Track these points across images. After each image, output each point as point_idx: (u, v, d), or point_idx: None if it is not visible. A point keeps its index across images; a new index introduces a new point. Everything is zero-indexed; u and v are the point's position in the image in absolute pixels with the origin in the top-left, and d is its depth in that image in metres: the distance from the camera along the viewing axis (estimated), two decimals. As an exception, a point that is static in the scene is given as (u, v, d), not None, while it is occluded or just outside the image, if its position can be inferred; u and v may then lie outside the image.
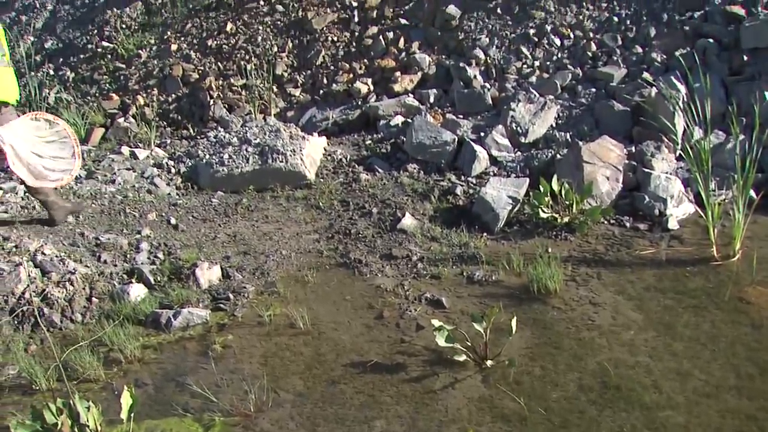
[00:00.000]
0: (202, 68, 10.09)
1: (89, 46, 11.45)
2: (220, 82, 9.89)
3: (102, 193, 7.44)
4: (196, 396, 4.50)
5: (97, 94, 10.38)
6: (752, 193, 6.17)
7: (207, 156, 8.01)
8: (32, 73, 10.93)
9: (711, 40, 8.08)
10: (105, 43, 11.30)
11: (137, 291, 5.68)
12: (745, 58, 7.83)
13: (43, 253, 5.88)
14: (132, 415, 4.10)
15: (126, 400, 4.11)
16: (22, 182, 6.41)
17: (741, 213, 5.86)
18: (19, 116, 6.26)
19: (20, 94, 6.43)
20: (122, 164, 8.15)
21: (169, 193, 7.61)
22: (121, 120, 9.56)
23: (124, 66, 10.74)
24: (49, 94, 10.58)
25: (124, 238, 6.49)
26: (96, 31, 11.76)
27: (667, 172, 6.96)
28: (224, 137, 8.24)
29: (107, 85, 10.53)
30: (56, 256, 5.91)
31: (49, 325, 5.26)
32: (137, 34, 11.40)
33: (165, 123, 9.66)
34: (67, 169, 6.39)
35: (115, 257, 6.18)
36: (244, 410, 4.37)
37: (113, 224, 6.87)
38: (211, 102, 9.60)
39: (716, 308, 5.25)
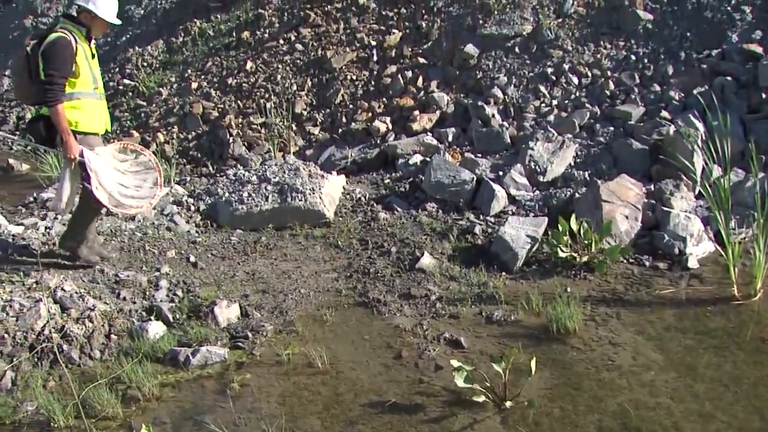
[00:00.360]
0: (222, 106, 10.21)
1: (111, 83, 11.64)
2: (240, 120, 9.99)
3: (122, 230, 7.49)
4: (214, 436, 4.49)
5: (117, 131, 10.51)
6: (773, 231, 6.13)
7: (226, 194, 8.05)
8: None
9: (729, 78, 8.09)
10: (126, 81, 11.48)
11: (156, 328, 5.68)
12: (764, 95, 7.82)
13: (63, 290, 5.91)
14: (150, 454, 4.10)
15: (144, 439, 4.11)
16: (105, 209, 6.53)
17: (762, 252, 5.81)
18: (106, 145, 6.47)
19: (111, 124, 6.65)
20: (142, 202, 8.22)
21: (189, 231, 7.65)
22: (141, 157, 9.66)
23: (144, 103, 10.90)
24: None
25: (143, 276, 6.52)
26: (118, 68, 11.96)
27: (686, 211, 6.94)
28: (244, 175, 8.29)
29: (128, 122, 10.68)
30: (76, 293, 5.93)
31: (68, 362, 5.26)
32: (158, 72, 11.59)
33: (185, 160, 9.75)
34: (147, 197, 6.49)
35: (134, 294, 6.20)
36: (262, 451, 4.36)
37: (133, 261, 6.90)
38: (231, 140, 9.69)
39: (738, 348, 5.19)
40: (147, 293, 6.26)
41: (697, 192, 7.22)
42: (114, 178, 6.29)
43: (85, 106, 6.12)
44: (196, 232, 7.69)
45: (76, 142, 6.01)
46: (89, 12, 6.05)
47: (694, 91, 8.08)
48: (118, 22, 6.35)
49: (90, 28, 6.16)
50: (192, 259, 6.99)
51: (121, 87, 11.43)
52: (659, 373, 4.95)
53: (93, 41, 6.30)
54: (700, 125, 7.61)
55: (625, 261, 6.60)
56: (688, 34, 8.84)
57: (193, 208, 8.13)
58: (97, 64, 6.35)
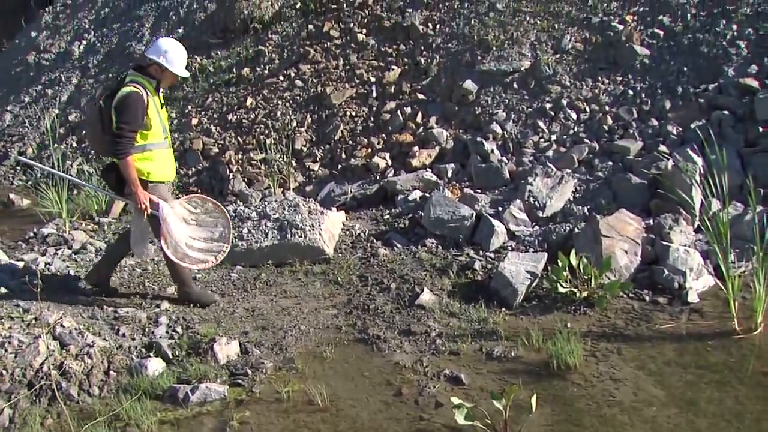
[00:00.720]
0: (222, 142, 10.26)
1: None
2: (240, 156, 10.03)
3: (122, 265, 7.48)
4: (214, 475, 4.46)
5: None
6: (772, 265, 6.13)
7: (226, 231, 8.06)
8: (56, 145, 11.14)
9: (726, 112, 8.15)
10: (127, 117, 11.52)
11: (155, 365, 5.66)
12: (761, 129, 7.86)
13: (62, 326, 5.89)
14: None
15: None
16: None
17: (761, 285, 5.80)
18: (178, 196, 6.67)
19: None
20: (142, 237, 8.23)
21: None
22: (141, 192, 9.68)
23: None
24: (71, 165, 10.76)
25: (143, 312, 6.51)
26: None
27: (685, 245, 6.94)
28: (243, 211, 8.30)
29: (129, 157, 10.70)
30: (75, 329, 5.91)
31: (66, 399, 5.23)
32: (159, 109, 11.63)
33: (184, 195, 9.74)
34: (214, 252, 6.61)
35: (133, 331, 6.19)
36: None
37: (132, 297, 6.89)
38: (231, 176, 9.73)
39: (740, 383, 5.17)
40: (146, 330, 6.24)
41: (696, 226, 7.24)
42: (183, 231, 6.45)
43: (156, 156, 6.30)
44: (196, 268, 7.67)
45: (146, 193, 6.16)
46: (159, 65, 6.21)
47: (692, 125, 8.14)
48: (187, 74, 6.57)
49: (160, 80, 6.32)
50: (192, 295, 6.98)
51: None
52: (661, 409, 4.92)
53: (162, 91, 6.47)
54: (698, 159, 7.64)
55: (625, 296, 6.59)
56: (685, 68, 8.91)
57: (193, 244, 8.13)
58: (166, 113, 6.54)
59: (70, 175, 10.33)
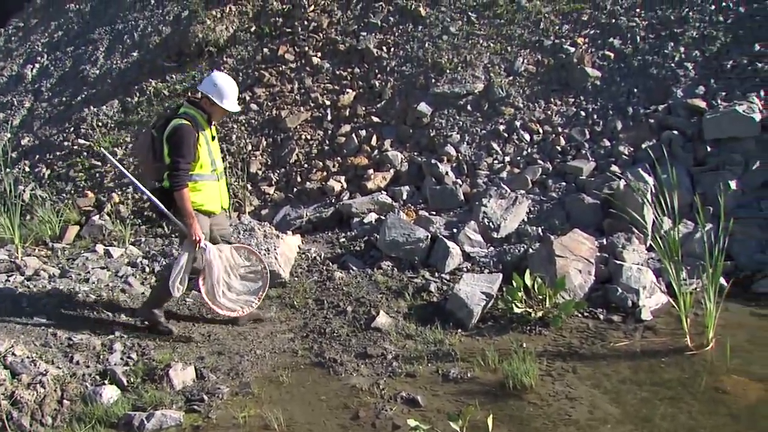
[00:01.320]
0: (176, 166, 10.16)
1: (65, 143, 11.58)
2: (195, 180, 9.94)
3: (75, 291, 7.36)
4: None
5: (72, 192, 10.46)
6: (722, 281, 6.23)
7: (181, 256, 7.98)
8: (8, 170, 10.97)
9: (675, 132, 8.29)
10: (81, 141, 11.41)
11: (110, 393, 5.56)
12: (709, 148, 8.02)
13: (13, 354, 5.77)
14: None
15: None
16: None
17: (712, 302, 5.90)
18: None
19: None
20: (96, 263, 8.11)
21: (143, 293, 7.52)
22: (96, 218, 9.57)
23: (99, 163, 10.82)
24: (24, 190, 10.60)
25: (97, 339, 6.40)
26: (72, 128, 11.90)
27: (638, 263, 7.02)
28: (199, 237, 8.24)
29: (82, 182, 10.59)
30: (27, 357, 5.80)
31: (18, 430, 5.13)
32: (113, 132, 11.54)
33: (140, 221, 9.66)
34: (243, 303, 6.67)
35: (87, 358, 6.08)
36: None
37: (86, 324, 6.77)
38: (186, 200, 9.62)
39: (693, 399, 5.23)
40: (101, 357, 6.15)
41: (648, 244, 7.32)
42: (223, 278, 6.50)
43: (203, 187, 6.39)
44: (151, 294, 7.58)
45: (200, 227, 6.25)
46: (210, 99, 6.32)
47: (643, 146, 8.26)
48: (237, 108, 6.61)
49: (210, 114, 6.43)
50: (147, 321, 6.88)
51: (75, 147, 11.34)
52: (616, 427, 4.95)
53: (213, 125, 6.57)
54: (649, 179, 7.75)
55: (579, 315, 6.64)
56: (635, 90, 9.05)
57: (147, 269, 8.05)
58: (217, 145, 6.66)
59: (23, 200, 10.16)
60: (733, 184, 7.63)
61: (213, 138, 6.48)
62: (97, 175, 10.60)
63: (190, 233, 6.19)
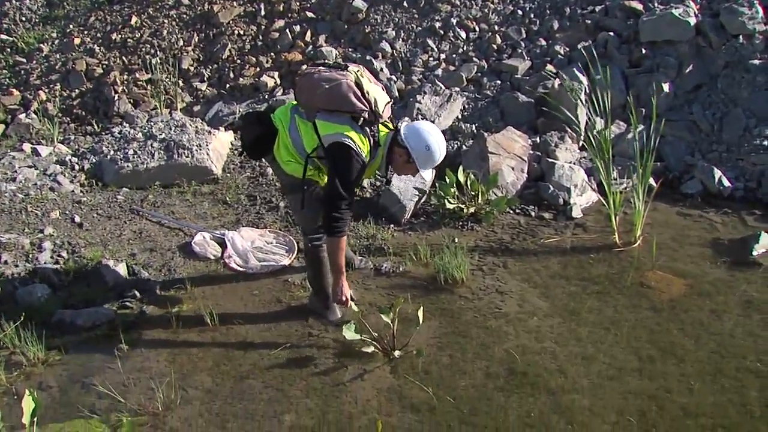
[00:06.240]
0: (106, 63, 9.80)
1: (-14, 39, 11.03)
2: (125, 76, 9.61)
3: (2, 191, 7.10)
4: (103, 396, 4.33)
5: (-6, 90, 10.01)
6: (651, 181, 6.32)
7: (111, 152, 7.76)
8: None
9: (612, 34, 8.27)
10: (4, 37, 10.87)
11: (40, 291, 5.44)
12: (644, 51, 8.03)
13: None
14: (35, 419, 3.90)
15: (28, 404, 3.89)
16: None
17: (641, 201, 5.99)
18: None
19: None
20: (24, 162, 7.83)
21: (73, 191, 7.33)
22: (22, 116, 9.17)
23: (24, 60, 10.35)
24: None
25: (26, 238, 6.23)
26: (-6, 24, 11.33)
27: (570, 162, 7.07)
28: (129, 133, 8.01)
29: (7, 80, 10.12)
30: (-47, 258, 5.64)
31: (-57, 329, 5.00)
32: (38, 28, 11.04)
33: (68, 119, 9.32)
34: (278, 258, 6.04)
35: (16, 257, 5.93)
36: (152, 409, 4.23)
37: (14, 224, 6.56)
38: (116, 97, 9.31)
39: (619, 293, 5.35)
40: (30, 256, 6.00)
41: (580, 144, 7.38)
42: (250, 245, 6.15)
43: None
44: (81, 192, 7.37)
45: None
46: (409, 156, 4.73)
47: (579, 46, 8.21)
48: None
49: (390, 162, 4.88)
50: (77, 219, 6.71)
51: (-2, 43, 10.86)
52: (544, 319, 5.05)
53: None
54: (583, 79, 7.75)
55: (511, 212, 6.69)
56: (573, -11, 8.98)
57: (77, 167, 7.79)
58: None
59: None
60: (666, 87, 7.67)
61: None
62: (23, 72, 10.13)
63: (335, 290, 4.94)
